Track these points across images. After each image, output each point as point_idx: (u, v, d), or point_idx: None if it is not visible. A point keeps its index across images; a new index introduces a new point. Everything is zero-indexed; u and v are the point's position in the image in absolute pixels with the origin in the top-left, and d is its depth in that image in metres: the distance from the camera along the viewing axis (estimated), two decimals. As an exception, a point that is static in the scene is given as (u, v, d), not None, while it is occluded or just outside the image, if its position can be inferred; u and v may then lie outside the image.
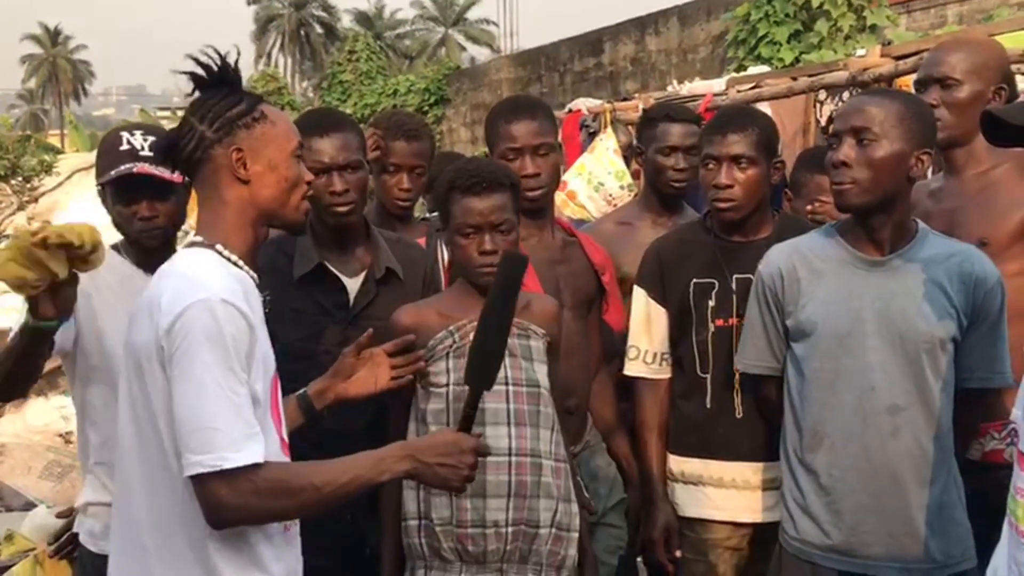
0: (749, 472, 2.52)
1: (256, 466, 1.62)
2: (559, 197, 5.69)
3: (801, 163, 3.16)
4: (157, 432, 1.67)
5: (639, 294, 2.66)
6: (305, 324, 2.46)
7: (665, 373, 2.64)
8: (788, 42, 9.99)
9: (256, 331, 1.70)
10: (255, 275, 1.82)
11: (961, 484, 2.26)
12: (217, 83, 1.80)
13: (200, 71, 1.79)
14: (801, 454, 2.29)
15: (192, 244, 1.80)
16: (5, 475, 5.17)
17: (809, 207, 2.96)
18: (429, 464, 1.80)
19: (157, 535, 1.69)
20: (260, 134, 1.79)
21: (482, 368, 1.94)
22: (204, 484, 1.61)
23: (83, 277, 2.11)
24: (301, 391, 2.09)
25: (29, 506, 4.60)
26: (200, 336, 1.61)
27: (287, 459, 1.82)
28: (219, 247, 1.77)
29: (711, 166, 2.53)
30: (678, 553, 2.57)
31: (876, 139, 2.18)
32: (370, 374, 2.15)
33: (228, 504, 1.62)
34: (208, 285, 1.66)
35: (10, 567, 3.64)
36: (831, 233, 2.33)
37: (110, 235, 2.34)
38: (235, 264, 1.77)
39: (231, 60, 1.82)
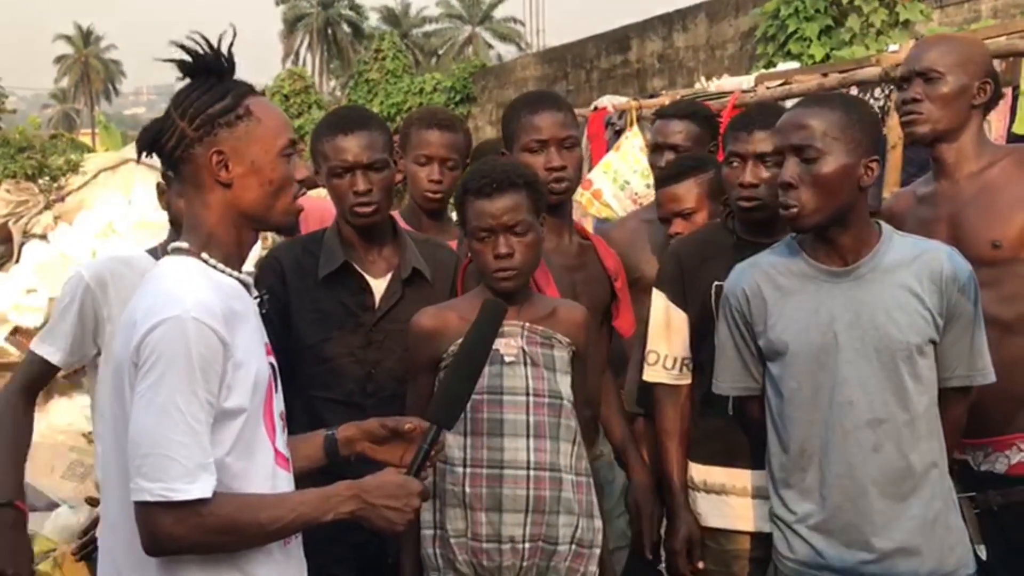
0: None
1: (204, 500, 1.54)
2: (584, 196, 5.64)
3: None
4: None
5: (658, 297, 2.58)
6: (330, 325, 2.43)
7: (686, 379, 2.56)
8: (818, 38, 9.87)
9: (232, 348, 1.61)
10: (245, 277, 1.75)
11: (952, 488, 2.20)
12: (205, 71, 1.70)
13: (187, 58, 1.69)
14: (788, 474, 2.23)
15: (176, 249, 1.72)
16: (28, 475, 5.17)
17: None
18: (375, 506, 1.72)
19: (132, 556, 1.62)
20: (244, 133, 1.68)
21: (446, 406, 1.87)
22: (148, 512, 1.54)
23: (110, 286, 2.12)
24: (329, 432, 1.95)
25: (52, 506, 4.60)
26: (167, 356, 1.54)
27: (285, 473, 1.74)
28: (204, 255, 1.69)
29: (736, 164, 2.47)
30: (700, 565, 2.50)
31: (820, 155, 2.09)
32: (400, 448, 1.93)
33: (170, 535, 1.55)
34: (182, 300, 1.58)
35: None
36: (792, 247, 2.25)
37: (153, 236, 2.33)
38: (220, 270, 1.70)
39: (225, 44, 1.70)
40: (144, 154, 1.74)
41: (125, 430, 1.60)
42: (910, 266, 2.14)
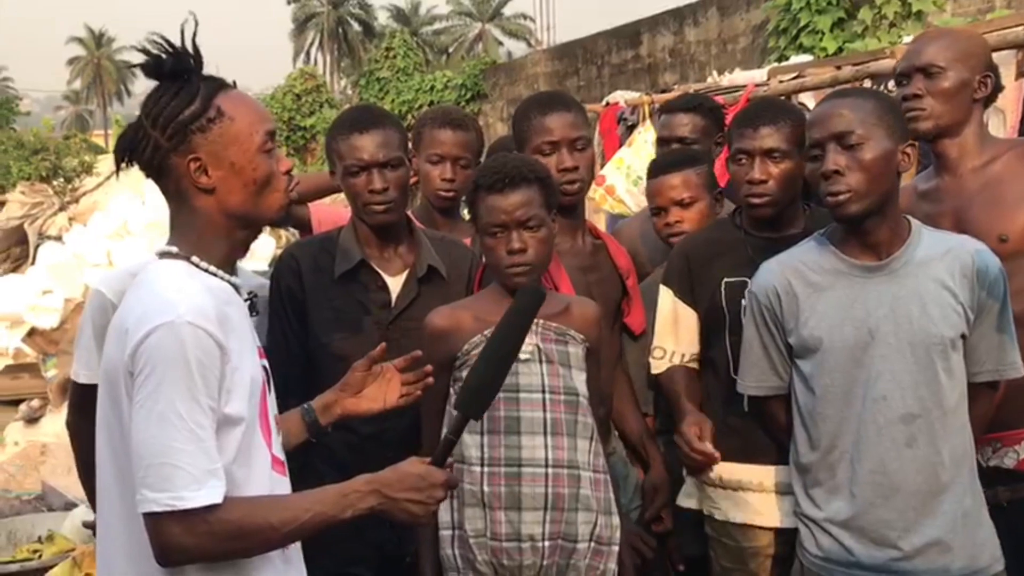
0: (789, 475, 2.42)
1: (214, 506, 1.51)
2: (598, 191, 5.62)
3: None
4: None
5: (666, 294, 2.57)
6: (346, 323, 2.43)
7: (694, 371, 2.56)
8: (831, 31, 9.81)
9: (229, 351, 1.57)
10: (235, 280, 1.71)
11: (979, 486, 2.18)
12: (171, 73, 1.63)
13: (151, 62, 1.62)
14: (816, 472, 2.22)
15: (164, 254, 1.68)
16: (47, 475, 5.22)
17: None
18: (396, 499, 1.67)
19: (131, 566, 1.60)
20: (218, 135, 1.62)
21: (476, 396, 1.80)
22: (157, 523, 1.51)
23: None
24: (305, 404, 1.98)
25: (70, 506, 4.63)
26: (164, 363, 1.50)
27: (282, 477, 1.72)
28: (194, 259, 1.65)
29: (743, 161, 2.45)
30: (716, 454, 2.42)
31: (863, 141, 2.10)
32: (379, 390, 2.00)
33: (180, 545, 1.52)
34: (175, 305, 1.53)
35: (51, 567, 3.65)
36: (821, 243, 2.24)
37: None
38: (212, 273, 1.66)
39: (187, 38, 1.63)
40: (124, 165, 1.69)
41: (120, 438, 1.58)
42: (942, 260, 2.14)
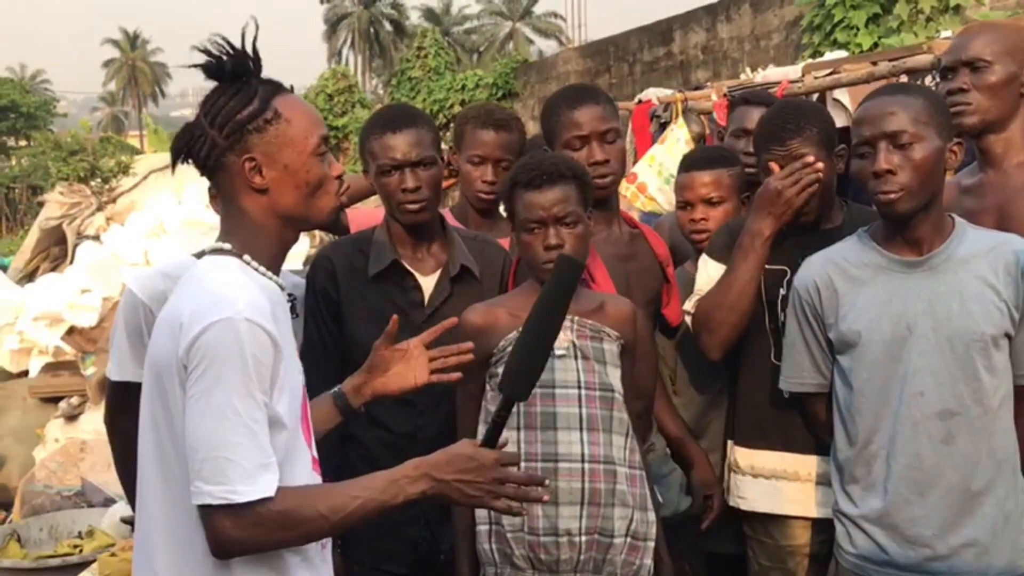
0: (828, 465, 2.40)
1: (266, 499, 1.54)
2: (629, 189, 5.60)
3: None
4: (181, 455, 1.57)
5: (707, 262, 2.57)
6: (380, 323, 2.42)
7: None
8: (866, 26, 9.68)
9: (281, 349, 1.60)
10: (281, 281, 1.74)
11: None
12: (231, 74, 1.67)
13: (213, 63, 1.66)
14: (853, 468, 2.21)
15: (218, 251, 1.70)
16: (86, 471, 5.29)
17: None
18: (447, 481, 1.65)
19: (172, 559, 1.62)
20: (274, 137, 1.66)
21: (520, 376, 1.75)
22: (211, 516, 1.54)
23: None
24: (336, 389, 2.00)
25: (109, 502, 4.69)
26: (221, 358, 1.53)
27: (318, 477, 1.74)
28: (246, 257, 1.68)
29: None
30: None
31: (915, 140, 2.09)
32: (408, 368, 1.99)
33: (233, 538, 1.55)
34: (233, 302, 1.56)
35: (91, 562, 3.71)
36: (863, 239, 2.24)
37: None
38: (261, 273, 1.68)
39: (248, 41, 1.66)
40: (180, 162, 1.72)
41: (168, 430, 1.60)
42: (985, 257, 2.12)
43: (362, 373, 2.00)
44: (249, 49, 1.67)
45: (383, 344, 2.00)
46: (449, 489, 1.66)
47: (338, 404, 1.98)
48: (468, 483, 1.66)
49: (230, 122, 1.64)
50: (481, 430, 2.16)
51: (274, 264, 1.72)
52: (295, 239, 1.77)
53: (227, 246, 1.69)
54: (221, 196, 1.72)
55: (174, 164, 1.74)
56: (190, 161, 1.70)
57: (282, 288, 1.74)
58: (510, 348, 2.11)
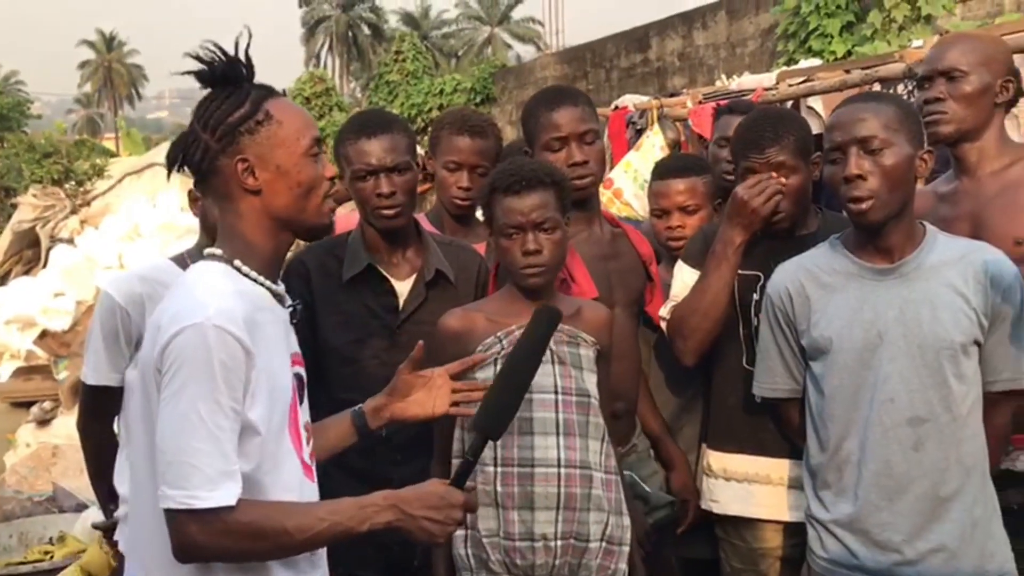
0: (800, 469, 2.42)
1: (229, 507, 1.54)
2: (605, 195, 5.63)
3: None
4: None
5: (683, 268, 2.59)
6: (354, 327, 2.44)
7: None
8: (840, 34, 9.78)
9: (254, 356, 1.59)
10: (277, 287, 1.74)
11: (995, 495, 2.17)
12: (223, 80, 1.68)
13: (205, 69, 1.67)
14: (825, 473, 2.23)
15: (210, 255, 1.71)
16: (58, 477, 5.25)
17: None
18: (414, 516, 1.68)
19: (163, 560, 1.62)
20: (266, 138, 1.67)
21: (495, 416, 1.80)
22: (174, 519, 1.55)
23: (147, 305, 2.16)
24: (356, 408, 1.99)
25: (81, 507, 4.66)
26: (189, 363, 1.54)
27: (311, 485, 1.74)
28: (237, 262, 1.69)
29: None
30: None
31: (885, 146, 2.11)
32: (428, 396, 1.98)
33: (196, 542, 1.55)
34: (205, 307, 1.56)
35: (62, 568, 3.67)
36: (834, 246, 2.26)
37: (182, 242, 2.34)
38: (253, 279, 1.69)
39: (241, 48, 1.68)
40: (176, 168, 1.73)
41: (153, 433, 1.60)
42: (955, 265, 2.13)
43: (383, 395, 1.98)
44: (242, 55, 1.69)
45: (407, 368, 1.98)
46: (413, 524, 1.69)
47: (356, 423, 1.97)
48: (432, 521, 1.69)
49: (222, 125, 1.66)
50: (457, 434, 2.17)
51: (268, 269, 1.72)
52: (290, 243, 1.78)
53: (219, 251, 1.70)
54: (217, 201, 1.72)
55: (170, 172, 1.75)
56: (186, 169, 1.72)
57: (277, 293, 1.73)
58: (487, 353, 2.13)
